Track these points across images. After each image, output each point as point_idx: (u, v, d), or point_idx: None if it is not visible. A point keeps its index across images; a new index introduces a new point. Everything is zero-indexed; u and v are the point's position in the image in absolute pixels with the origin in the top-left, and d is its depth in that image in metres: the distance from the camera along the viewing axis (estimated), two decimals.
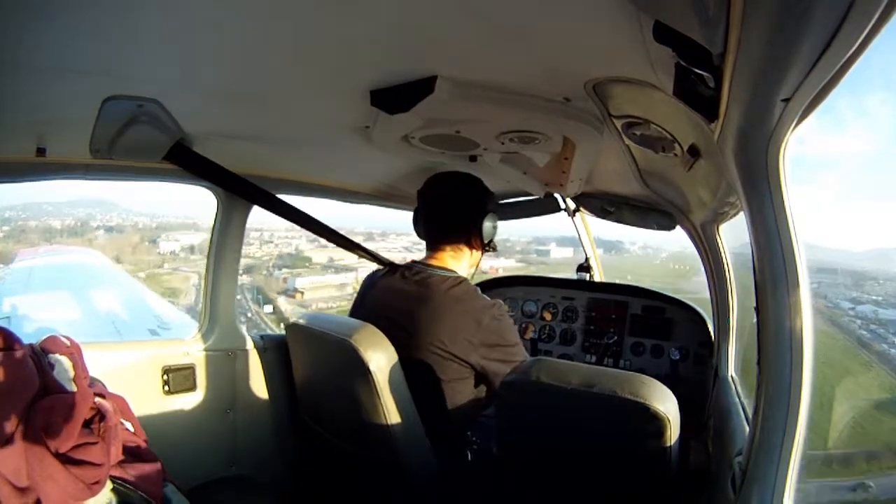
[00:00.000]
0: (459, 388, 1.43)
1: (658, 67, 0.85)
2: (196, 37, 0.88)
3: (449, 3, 0.77)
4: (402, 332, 1.40)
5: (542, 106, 1.18)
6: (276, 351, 1.84)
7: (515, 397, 1.19)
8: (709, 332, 2.18)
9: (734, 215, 1.53)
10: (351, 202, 2.17)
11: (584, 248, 2.76)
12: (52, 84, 1.03)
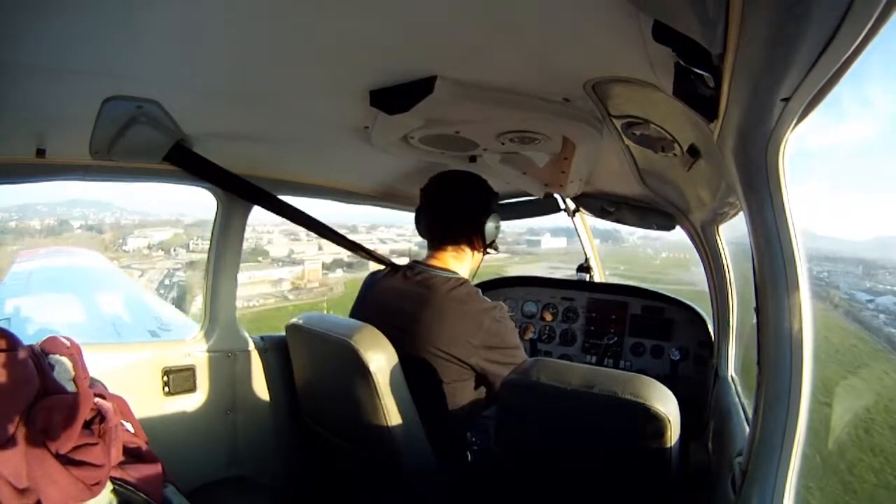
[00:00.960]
0: (460, 389, 1.43)
1: (657, 67, 0.85)
2: (196, 37, 0.88)
3: (449, 3, 0.77)
4: (402, 333, 1.40)
5: (542, 106, 1.18)
6: (276, 352, 1.84)
7: (515, 398, 1.19)
8: (709, 332, 2.18)
9: (734, 215, 1.53)
10: (351, 202, 2.17)
11: (583, 248, 2.76)
12: (52, 84, 1.03)
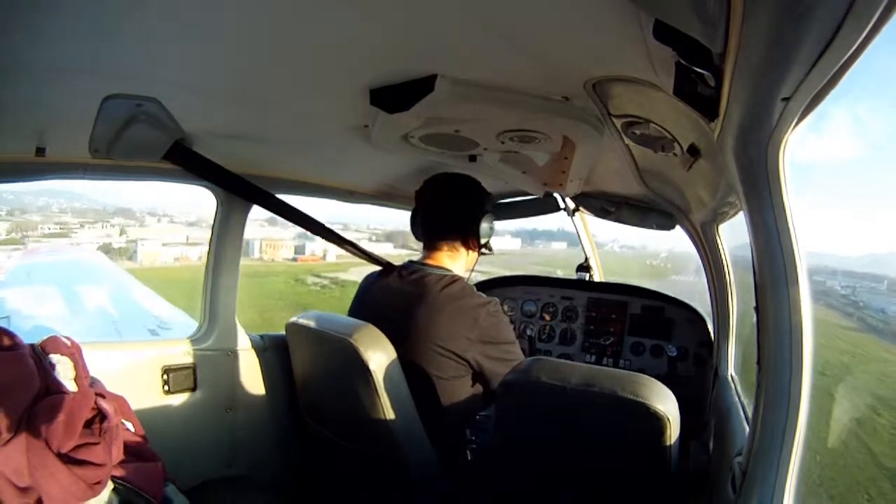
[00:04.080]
0: (457, 386, 1.43)
1: (658, 66, 0.85)
2: (196, 35, 0.88)
3: (449, 3, 0.77)
4: (399, 331, 1.40)
5: (542, 105, 1.18)
6: (275, 350, 1.84)
7: (515, 397, 1.19)
8: (708, 332, 2.18)
9: (734, 215, 1.53)
10: (351, 202, 2.17)
11: (583, 247, 2.76)
12: (52, 83, 1.03)
